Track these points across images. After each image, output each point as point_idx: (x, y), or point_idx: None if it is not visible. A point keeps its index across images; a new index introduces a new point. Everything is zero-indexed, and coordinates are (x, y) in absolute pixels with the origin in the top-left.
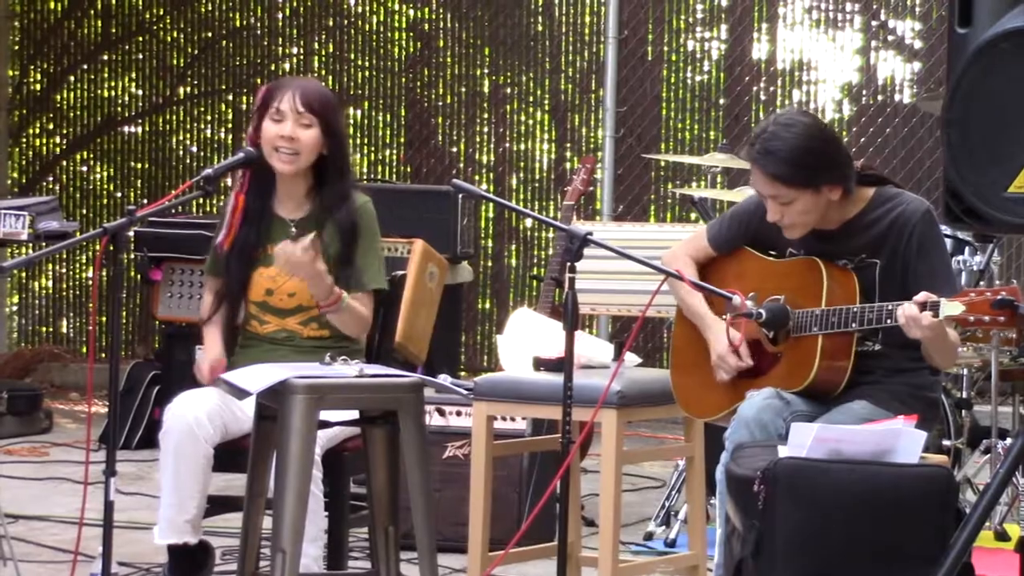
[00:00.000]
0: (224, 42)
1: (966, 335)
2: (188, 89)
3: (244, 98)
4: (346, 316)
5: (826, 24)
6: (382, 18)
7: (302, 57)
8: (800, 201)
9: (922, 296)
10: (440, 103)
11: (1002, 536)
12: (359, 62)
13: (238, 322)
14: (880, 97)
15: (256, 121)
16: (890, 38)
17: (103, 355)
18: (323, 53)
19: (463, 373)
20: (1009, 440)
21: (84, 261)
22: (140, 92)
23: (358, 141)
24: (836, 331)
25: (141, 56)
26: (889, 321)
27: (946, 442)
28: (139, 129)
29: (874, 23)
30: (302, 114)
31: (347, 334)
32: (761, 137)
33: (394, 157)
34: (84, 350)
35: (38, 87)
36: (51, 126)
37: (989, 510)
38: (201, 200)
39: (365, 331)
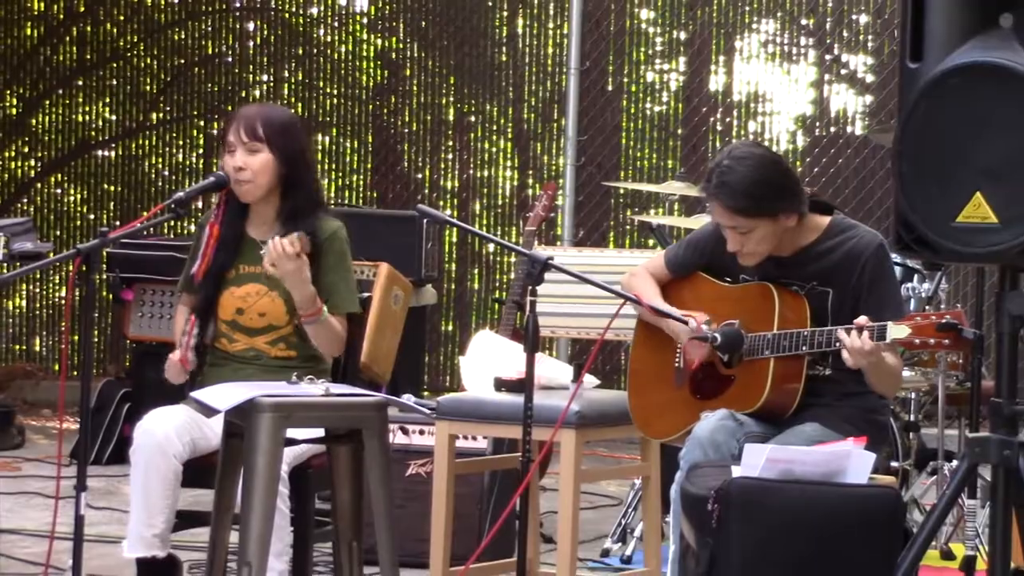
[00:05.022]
0: (196, 69)
1: (914, 358)
2: (160, 115)
3: (215, 124)
4: (323, 330)
5: (781, 58)
6: (350, 47)
7: (272, 85)
8: (759, 230)
9: (861, 319)
10: (406, 130)
11: (948, 555)
12: (328, 90)
13: (207, 340)
14: (833, 129)
15: (222, 154)
16: (843, 72)
17: (75, 373)
18: (292, 81)
19: (426, 393)
20: (955, 462)
21: (57, 281)
22: (114, 117)
23: (326, 167)
24: (787, 354)
25: (115, 82)
26: (837, 344)
27: (894, 464)
28: (112, 153)
29: (827, 57)
30: (247, 142)
31: (322, 350)
32: (717, 171)
33: (361, 182)
34: (56, 368)
35: (14, 111)
36: (26, 149)
37: (935, 530)
38: (172, 223)
39: (339, 350)
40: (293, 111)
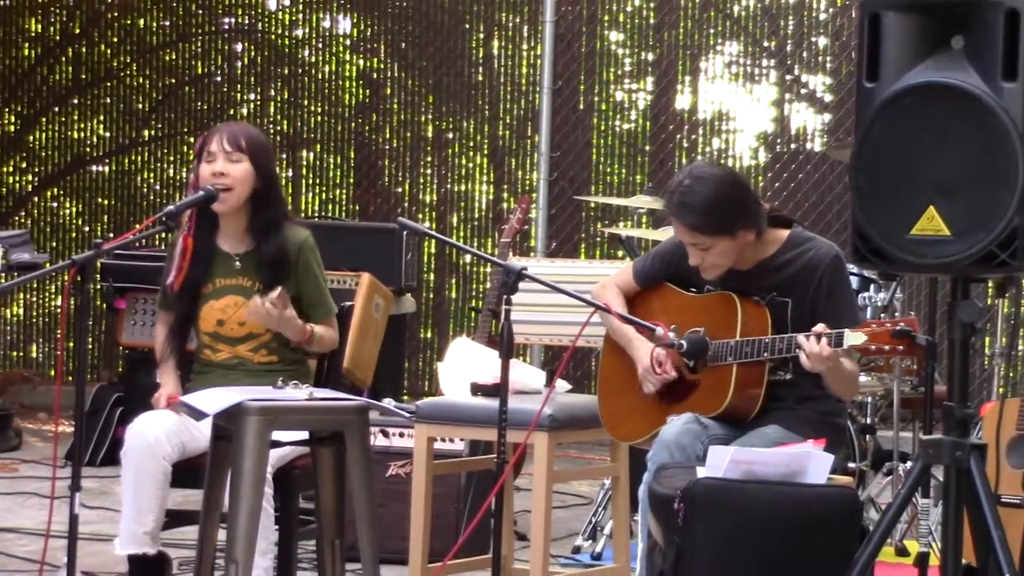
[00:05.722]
0: (186, 88)
1: (870, 364)
2: (152, 131)
3: None
4: (318, 344)
5: (744, 78)
6: (333, 67)
7: (259, 103)
8: (718, 246)
9: (819, 327)
10: (387, 147)
11: (902, 552)
12: (312, 108)
13: (189, 348)
14: (793, 145)
15: (196, 168)
16: (803, 91)
17: (70, 378)
18: (278, 99)
19: (406, 397)
20: (909, 463)
21: (53, 290)
22: (107, 134)
23: (310, 181)
24: (749, 360)
25: (109, 100)
26: (797, 351)
27: (851, 464)
28: (106, 168)
29: (788, 77)
30: (230, 152)
31: (325, 352)
32: (678, 191)
33: (344, 196)
34: (52, 373)
35: (12, 128)
36: (24, 165)
37: (891, 528)
38: (164, 235)
39: (336, 345)
40: (279, 128)
